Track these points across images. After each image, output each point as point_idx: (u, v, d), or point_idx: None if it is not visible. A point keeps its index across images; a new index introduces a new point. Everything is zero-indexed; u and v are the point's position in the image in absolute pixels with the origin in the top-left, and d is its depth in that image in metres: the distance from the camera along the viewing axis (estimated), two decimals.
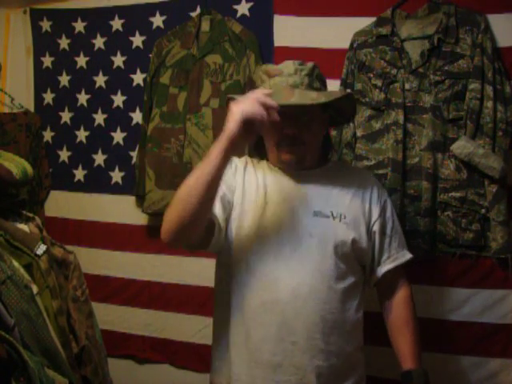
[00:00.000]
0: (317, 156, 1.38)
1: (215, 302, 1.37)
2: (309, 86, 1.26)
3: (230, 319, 1.28)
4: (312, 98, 1.23)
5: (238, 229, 1.29)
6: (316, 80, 1.29)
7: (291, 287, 1.22)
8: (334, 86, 1.93)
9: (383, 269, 1.35)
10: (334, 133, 1.92)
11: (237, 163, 1.38)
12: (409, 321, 1.35)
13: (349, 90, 1.27)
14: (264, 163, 1.40)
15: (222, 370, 1.30)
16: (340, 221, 1.28)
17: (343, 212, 1.30)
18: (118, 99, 2.38)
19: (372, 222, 1.34)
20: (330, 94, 1.29)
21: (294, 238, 1.25)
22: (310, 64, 1.29)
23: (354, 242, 1.28)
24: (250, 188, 1.33)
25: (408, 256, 1.39)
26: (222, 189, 1.26)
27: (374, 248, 1.34)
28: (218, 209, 1.25)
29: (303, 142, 1.30)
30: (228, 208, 1.29)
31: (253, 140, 1.20)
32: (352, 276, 1.29)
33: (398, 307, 1.36)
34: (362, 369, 1.33)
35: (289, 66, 1.28)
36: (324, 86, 1.33)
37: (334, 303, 1.24)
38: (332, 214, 1.29)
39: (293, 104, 1.22)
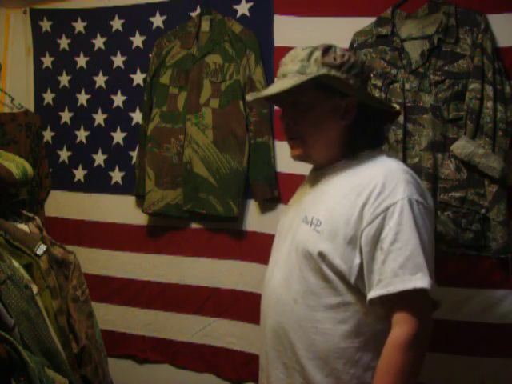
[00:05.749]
0: (334, 150, 1.17)
1: None
2: (298, 73, 1.10)
3: None
4: (282, 85, 1.09)
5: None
6: (313, 64, 1.10)
7: (267, 295, 1.22)
8: None
9: (370, 294, 1.04)
10: None
11: None
12: (391, 371, 0.99)
13: (319, 73, 1.08)
14: None
15: None
16: (314, 228, 1.10)
17: (320, 218, 1.10)
18: (118, 99, 2.38)
19: (359, 233, 1.05)
20: (300, 78, 1.08)
21: (285, 244, 1.21)
22: (310, 48, 1.13)
23: (321, 255, 1.07)
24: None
25: (411, 284, 1.00)
26: None
27: (362, 265, 1.06)
28: None
29: (301, 135, 1.16)
30: None
31: None
32: (331, 296, 1.08)
33: (386, 349, 1.03)
34: None
35: (289, 54, 1.17)
36: (329, 67, 1.10)
37: (299, 320, 1.11)
38: (312, 220, 1.12)
39: (259, 96, 1.19)
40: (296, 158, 1.22)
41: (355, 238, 1.06)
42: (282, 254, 1.21)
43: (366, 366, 1.08)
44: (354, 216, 1.06)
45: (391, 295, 1.01)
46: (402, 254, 1.02)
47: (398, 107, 1.22)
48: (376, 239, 1.04)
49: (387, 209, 1.04)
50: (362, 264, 1.06)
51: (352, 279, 1.07)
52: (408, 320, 1.02)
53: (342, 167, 1.17)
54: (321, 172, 1.22)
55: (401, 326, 1.02)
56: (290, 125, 1.18)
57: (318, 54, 1.11)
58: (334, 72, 1.09)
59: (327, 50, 1.12)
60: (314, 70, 1.09)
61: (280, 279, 1.17)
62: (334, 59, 1.10)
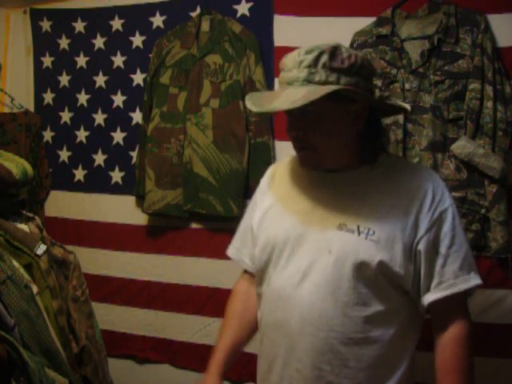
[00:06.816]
0: (348, 156, 1.14)
1: None
2: (306, 81, 1.04)
3: (259, 330, 1.25)
4: (294, 99, 1.01)
5: (259, 239, 1.22)
6: (321, 70, 1.04)
7: (300, 309, 1.09)
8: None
9: (431, 297, 1.08)
10: None
11: (260, 187, 1.31)
12: (459, 367, 1.08)
13: (335, 87, 1.01)
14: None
15: None
16: (366, 238, 1.07)
17: (372, 227, 1.07)
18: (118, 99, 2.38)
19: (417, 240, 1.08)
20: (316, 92, 1.01)
21: (313, 254, 1.10)
22: (316, 51, 1.05)
23: (381, 264, 1.05)
24: (271, 201, 1.23)
25: (473, 282, 1.09)
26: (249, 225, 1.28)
27: (419, 271, 1.09)
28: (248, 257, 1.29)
29: (312, 145, 1.10)
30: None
31: None
32: (380, 303, 1.08)
33: (448, 348, 1.09)
34: None
35: (291, 57, 1.08)
36: (338, 72, 1.04)
37: (350, 333, 1.07)
38: (358, 229, 1.07)
39: (268, 111, 1.11)
40: (308, 167, 1.17)
41: (411, 245, 1.08)
42: (316, 267, 1.09)
43: (405, 367, 1.12)
44: (410, 223, 1.08)
45: (450, 296, 1.08)
46: (459, 256, 1.09)
47: (408, 106, 1.16)
48: (433, 245, 1.08)
49: (441, 215, 1.09)
50: (415, 270, 1.09)
51: (407, 286, 1.09)
52: (464, 317, 1.11)
53: (381, 170, 1.15)
54: (336, 176, 1.15)
55: (458, 324, 1.09)
56: (300, 136, 1.10)
57: (325, 58, 1.04)
58: (343, 78, 1.04)
59: (334, 52, 1.05)
60: (322, 77, 1.03)
61: (320, 294, 1.08)
62: (342, 62, 1.04)
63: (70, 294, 1.39)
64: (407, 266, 1.07)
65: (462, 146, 1.73)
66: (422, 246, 1.07)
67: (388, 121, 1.83)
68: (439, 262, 1.08)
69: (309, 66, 1.04)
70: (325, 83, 1.03)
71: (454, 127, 1.78)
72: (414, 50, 1.84)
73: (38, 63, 2.55)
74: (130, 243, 2.33)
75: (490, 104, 1.72)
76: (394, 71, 1.84)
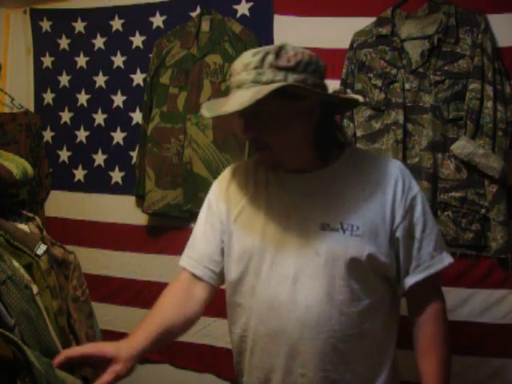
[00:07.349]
0: (308, 154, 1.14)
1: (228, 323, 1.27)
2: (254, 82, 1.03)
3: (240, 344, 1.20)
4: (243, 101, 1.00)
5: (234, 250, 1.17)
6: (268, 70, 1.03)
7: (297, 315, 1.08)
8: (334, 86, 1.93)
9: (411, 280, 1.13)
10: None
11: (212, 195, 1.25)
12: (436, 341, 1.14)
13: (279, 84, 1.01)
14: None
15: None
16: (351, 234, 1.08)
17: (355, 222, 1.09)
18: (118, 99, 2.38)
19: (395, 227, 1.11)
20: (262, 91, 1.00)
21: (299, 258, 1.09)
22: (262, 52, 1.05)
23: (370, 257, 1.08)
24: (238, 208, 1.19)
25: (446, 261, 1.14)
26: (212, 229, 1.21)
27: (398, 256, 1.12)
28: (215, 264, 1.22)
29: (267, 145, 1.09)
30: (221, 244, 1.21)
31: None
32: (370, 295, 1.10)
33: (427, 324, 1.15)
34: None
35: (239, 61, 1.07)
36: (285, 71, 1.04)
37: (347, 330, 1.08)
38: (342, 227, 1.09)
39: (218, 115, 1.08)
40: (267, 167, 1.16)
41: (392, 233, 1.11)
42: (306, 271, 1.09)
43: (393, 351, 1.17)
44: (388, 212, 1.10)
45: (428, 277, 1.13)
46: (432, 238, 1.13)
47: (360, 98, 1.15)
48: (408, 230, 1.12)
49: (412, 201, 1.12)
50: (397, 256, 1.13)
51: (391, 273, 1.13)
52: (439, 295, 1.17)
53: (349, 164, 1.16)
54: (307, 176, 1.15)
55: (436, 302, 1.16)
56: (255, 137, 1.09)
57: (271, 58, 1.04)
58: (290, 76, 1.04)
59: (279, 51, 1.05)
60: (269, 77, 1.02)
61: (315, 297, 1.08)
62: (288, 60, 1.04)
63: (70, 294, 1.39)
64: (391, 254, 1.11)
65: (462, 146, 1.73)
66: (399, 233, 1.11)
67: (388, 121, 1.83)
68: (415, 246, 1.12)
69: (256, 68, 1.04)
70: (272, 82, 1.02)
71: (454, 127, 1.78)
72: (414, 50, 1.84)
73: (37, 63, 2.55)
74: (130, 243, 2.33)
75: (490, 104, 1.72)
76: (394, 71, 1.84)
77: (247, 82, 1.04)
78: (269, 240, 1.12)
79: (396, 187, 1.11)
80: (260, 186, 1.19)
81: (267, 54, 1.04)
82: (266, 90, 0.99)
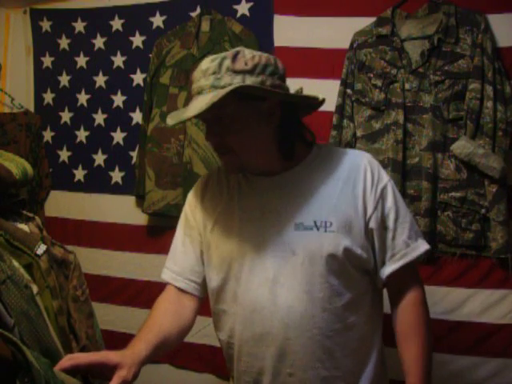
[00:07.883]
0: (273, 155, 1.14)
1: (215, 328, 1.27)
2: (213, 87, 1.05)
3: (227, 351, 1.21)
4: (201, 105, 1.02)
5: (214, 259, 1.19)
6: (225, 75, 1.05)
7: (280, 316, 1.09)
8: (334, 85, 1.93)
9: (387, 270, 1.14)
10: (333, 133, 1.92)
11: (188, 203, 1.27)
12: (416, 327, 1.14)
13: (233, 86, 1.02)
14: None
15: None
16: (326, 230, 1.09)
17: (328, 218, 1.10)
18: (118, 99, 2.38)
19: (367, 218, 1.12)
20: (217, 95, 1.02)
21: (276, 260, 1.10)
22: (219, 58, 1.07)
23: (346, 251, 1.09)
24: (214, 217, 1.20)
25: (422, 248, 1.15)
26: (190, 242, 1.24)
27: (373, 247, 1.13)
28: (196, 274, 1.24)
29: (231, 149, 1.10)
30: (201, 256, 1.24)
31: None
32: (351, 289, 1.12)
33: (406, 311, 1.16)
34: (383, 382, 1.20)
35: (198, 69, 1.11)
36: (242, 74, 1.05)
37: (331, 325, 1.09)
38: (315, 224, 1.10)
39: (180, 121, 1.10)
40: (233, 171, 1.17)
41: (365, 225, 1.12)
42: (284, 272, 1.10)
43: (379, 344, 1.18)
44: (360, 204, 1.11)
45: (405, 265, 1.13)
46: (406, 226, 1.14)
47: (319, 95, 1.16)
48: (381, 221, 1.12)
49: (382, 191, 1.13)
50: (372, 247, 1.13)
51: (369, 266, 1.14)
52: (418, 282, 1.17)
53: (317, 162, 1.17)
54: (277, 178, 1.16)
55: (415, 290, 1.16)
56: (217, 141, 1.11)
57: (228, 62, 1.06)
58: (248, 78, 1.05)
59: (236, 55, 1.07)
60: (227, 81, 1.04)
61: (296, 296, 1.09)
62: (246, 64, 1.06)
63: (70, 294, 1.39)
64: (367, 246, 1.12)
65: (462, 145, 1.73)
66: (373, 224, 1.12)
67: (388, 121, 1.83)
68: (389, 235, 1.13)
69: (214, 73, 1.06)
70: (230, 85, 1.04)
71: (454, 127, 1.78)
72: (414, 50, 1.84)
73: (37, 63, 2.55)
74: (130, 243, 2.33)
75: (489, 104, 1.72)
76: (394, 71, 1.84)
77: (206, 87, 1.06)
78: (246, 245, 1.13)
79: (366, 179, 1.13)
80: (233, 192, 1.20)
81: (224, 58, 1.06)
82: (221, 92, 1.01)
